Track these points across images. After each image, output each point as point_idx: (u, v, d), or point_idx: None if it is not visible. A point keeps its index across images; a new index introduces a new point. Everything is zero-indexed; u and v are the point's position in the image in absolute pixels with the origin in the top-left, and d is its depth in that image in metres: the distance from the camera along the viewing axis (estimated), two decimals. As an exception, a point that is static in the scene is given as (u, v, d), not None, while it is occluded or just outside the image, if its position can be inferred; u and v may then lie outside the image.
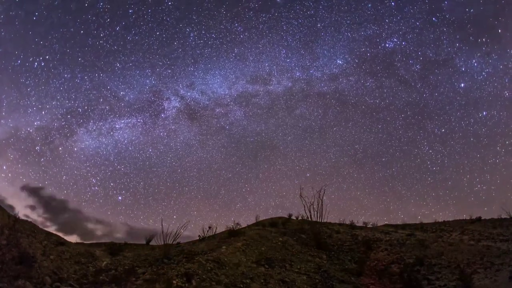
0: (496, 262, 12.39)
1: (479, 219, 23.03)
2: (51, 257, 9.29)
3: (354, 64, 39.09)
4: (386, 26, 37.24)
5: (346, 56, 38.89)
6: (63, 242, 11.16)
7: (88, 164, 35.12)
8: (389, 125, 39.49)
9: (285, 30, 38.47)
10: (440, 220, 25.66)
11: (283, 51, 39.14)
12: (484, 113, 35.70)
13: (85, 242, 15.47)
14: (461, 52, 36.01)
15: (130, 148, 36.70)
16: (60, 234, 12.17)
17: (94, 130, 35.31)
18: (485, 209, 34.53)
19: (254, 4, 37.26)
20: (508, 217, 20.35)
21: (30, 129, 31.82)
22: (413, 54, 37.49)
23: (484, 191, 34.59)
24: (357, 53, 38.69)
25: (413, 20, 36.79)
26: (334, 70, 39.22)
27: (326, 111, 40.29)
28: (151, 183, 37.42)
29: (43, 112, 32.63)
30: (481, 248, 14.62)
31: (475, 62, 35.33)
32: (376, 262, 14.03)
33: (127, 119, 36.58)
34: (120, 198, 34.96)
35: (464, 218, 24.72)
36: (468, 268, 12.14)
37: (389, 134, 39.43)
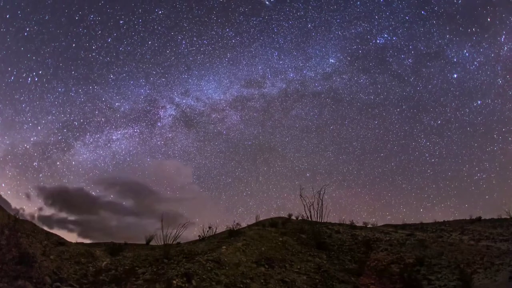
0: (496, 262, 12.38)
1: (479, 219, 23.05)
2: (51, 257, 9.29)
3: (346, 62, 39.27)
4: (376, 23, 37.48)
5: (338, 55, 39.03)
6: (63, 242, 11.16)
7: (87, 177, 34.89)
8: (385, 120, 39.69)
9: (276, 32, 38.63)
10: (440, 220, 25.71)
11: (275, 53, 39.23)
12: (479, 102, 35.85)
13: (85, 242, 15.48)
14: (452, 43, 36.24)
15: (128, 159, 36.49)
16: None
17: (91, 143, 34.97)
18: (486, 197, 34.31)
19: (244, 9, 37.31)
20: (508, 217, 20.35)
21: (27, 145, 31.43)
22: (405, 49, 37.77)
23: (484, 179, 34.71)
24: (349, 51, 38.85)
25: (402, 15, 37.02)
26: (327, 69, 39.32)
27: (322, 110, 40.38)
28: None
29: (39, 128, 32.34)
30: (481, 248, 14.62)
31: (467, 52, 35.58)
32: (376, 262, 14.02)
33: (123, 129, 36.30)
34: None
35: (464, 218, 24.77)
36: (468, 268, 12.13)
37: (386, 129, 39.60)
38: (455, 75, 36.57)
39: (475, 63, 35.08)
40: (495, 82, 34.81)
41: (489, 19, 33.55)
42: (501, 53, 33.99)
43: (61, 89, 33.09)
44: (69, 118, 33.88)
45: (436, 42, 36.75)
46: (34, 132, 32.03)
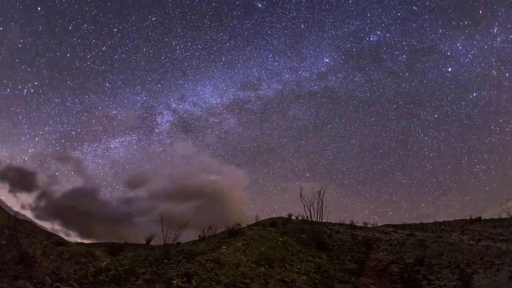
0: (496, 262, 12.38)
1: (479, 219, 23.07)
2: (51, 257, 9.28)
3: (341, 61, 39.69)
4: (369, 20, 37.92)
5: (333, 54, 39.47)
6: (63, 242, 11.16)
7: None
8: (382, 116, 40.02)
9: (270, 34, 39.05)
10: (440, 220, 25.74)
11: (270, 55, 39.66)
12: (475, 94, 36.27)
13: (85, 242, 15.48)
14: (445, 37, 36.76)
15: (127, 167, 36.40)
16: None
17: (89, 152, 34.97)
18: (487, 188, 34.63)
19: (237, 12, 37.64)
20: (508, 217, 20.37)
21: (25, 157, 31.47)
22: (398, 45, 38.28)
23: (483, 171, 35.01)
24: (343, 49, 39.34)
25: (394, 12, 37.50)
26: (322, 68, 39.68)
27: (319, 110, 40.65)
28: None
29: (36, 139, 32.47)
30: (481, 248, 14.62)
31: (460, 45, 36.11)
32: (376, 262, 14.02)
33: (121, 137, 36.33)
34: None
35: (464, 218, 24.79)
36: (468, 268, 12.13)
37: (383, 125, 39.92)
38: (449, 69, 36.99)
39: (469, 56, 35.53)
40: (490, 74, 35.21)
41: (480, 12, 34.02)
42: (494, 45, 34.32)
43: (57, 100, 33.31)
44: (66, 129, 33.98)
45: (429, 37, 37.21)
46: (32, 144, 32.05)
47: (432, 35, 36.91)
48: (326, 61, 38.92)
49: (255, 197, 39.75)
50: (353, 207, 36.91)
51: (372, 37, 37.91)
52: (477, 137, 36.47)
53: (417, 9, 36.85)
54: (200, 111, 38.85)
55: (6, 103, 30.88)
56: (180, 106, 38.61)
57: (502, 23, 33.81)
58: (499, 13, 33.81)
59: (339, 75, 39.49)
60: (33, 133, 32.37)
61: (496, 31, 33.80)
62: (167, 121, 38.33)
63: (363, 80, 39.51)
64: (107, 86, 35.52)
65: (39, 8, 31.16)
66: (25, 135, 31.68)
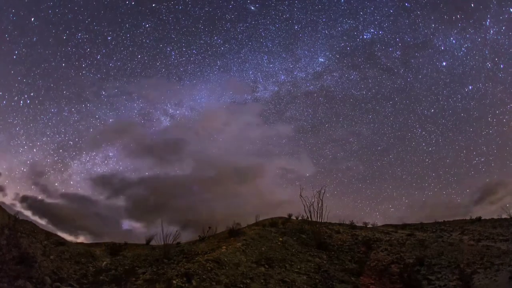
0: (496, 262, 12.38)
1: (479, 219, 23.06)
2: (51, 257, 9.29)
3: (336, 60, 39.49)
4: (361, 18, 37.91)
5: (327, 53, 39.17)
6: (63, 242, 11.17)
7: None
8: (379, 114, 39.98)
9: (264, 36, 38.84)
10: (440, 220, 25.72)
11: (264, 57, 39.39)
12: (470, 87, 36.21)
13: (85, 242, 15.48)
14: (438, 32, 36.45)
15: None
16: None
17: (88, 161, 34.14)
18: (487, 180, 34.46)
19: (230, 16, 37.53)
20: (508, 217, 20.37)
21: (23, 169, 30.84)
22: (392, 42, 38.05)
23: (483, 163, 34.87)
24: (337, 48, 39.10)
25: (386, 9, 37.42)
26: (317, 68, 39.51)
27: (316, 110, 40.54)
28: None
29: (34, 150, 31.57)
30: (481, 248, 14.62)
31: (453, 39, 35.92)
32: (376, 262, 14.02)
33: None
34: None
35: (464, 218, 24.79)
36: (468, 268, 12.14)
37: (381, 122, 39.92)
38: (444, 63, 37.03)
39: (463, 49, 35.59)
40: (484, 66, 35.22)
41: (472, 5, 34.18)
42: (487, 37, 34.37)
43: (53, 110, 32.78)
44: (64, 138, 33.34)
45: (422, 32, 37.23)
46: (30, 155, 31.48)
47: (425, 30, 36.96)
48: (321, 61, 38.99)
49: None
50: (354, 205, 36.87)
51: (365, 35, 38.02)
52: (475, 129, 36.51)
53: (409, 5, 36.95)
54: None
55: (3, 115, 30.68)
56: (178, 112, 38.58)
57: (494, 15, 33.93)
58: (491, 5, 34.01)
59: (334, 74, 39.45)
60: (31, 144, 32.09)
61: (489, 23, 33.95)
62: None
63: (359, 78, 39.58)
64: (103, 94, 35.36)
65: (32, 19, 30.79)
66: (23, 147, 31.48)
